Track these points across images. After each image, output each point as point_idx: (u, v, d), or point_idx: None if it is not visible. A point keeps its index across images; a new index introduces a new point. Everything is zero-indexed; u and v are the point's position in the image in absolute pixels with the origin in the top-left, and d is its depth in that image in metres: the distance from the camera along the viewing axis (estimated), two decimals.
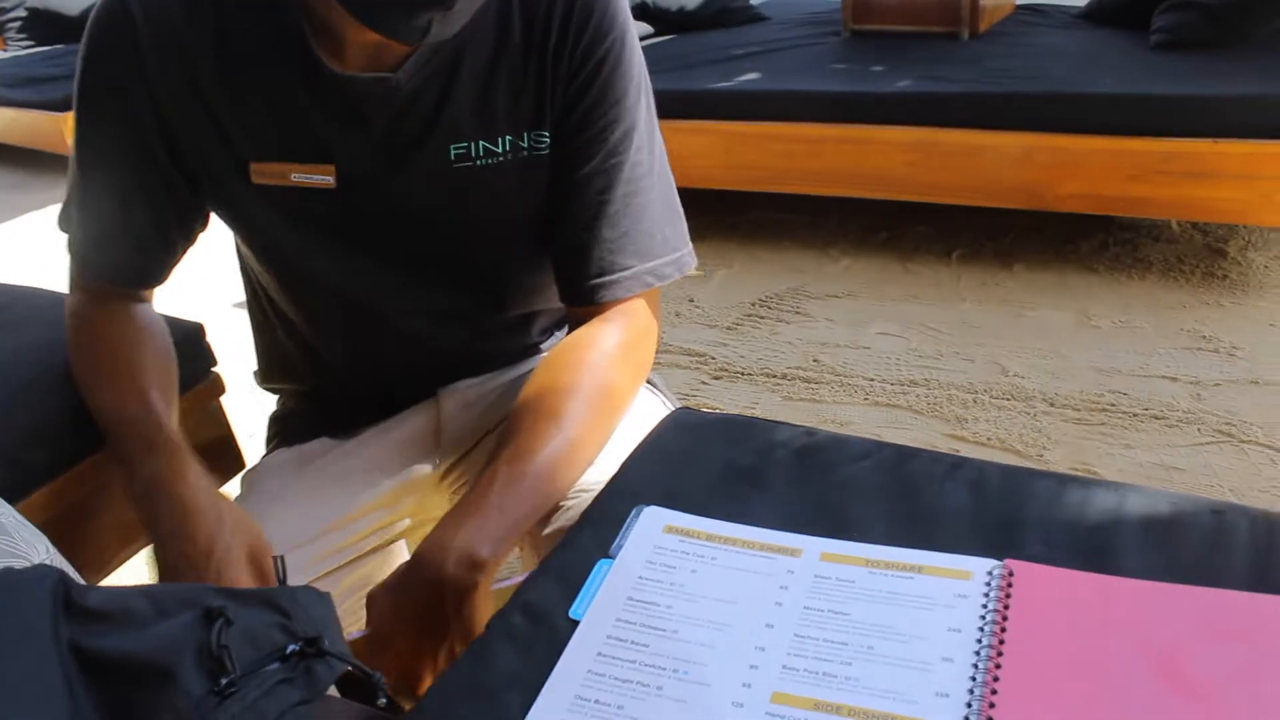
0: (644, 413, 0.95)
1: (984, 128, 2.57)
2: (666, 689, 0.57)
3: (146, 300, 0.98)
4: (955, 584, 0.62)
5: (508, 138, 0.88)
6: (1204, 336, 2.26)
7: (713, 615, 0.62)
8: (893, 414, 2.09)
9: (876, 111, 2.68)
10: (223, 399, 1.18)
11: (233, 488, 1.11)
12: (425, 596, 0.74)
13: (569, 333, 0.94)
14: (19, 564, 0.65)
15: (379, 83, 0.83)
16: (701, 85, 2.89)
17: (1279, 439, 1.90)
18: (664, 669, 0.59)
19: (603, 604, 0.64)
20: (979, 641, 0.58)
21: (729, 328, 2.51)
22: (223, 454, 1.24)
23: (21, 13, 4.89)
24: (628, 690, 0.57)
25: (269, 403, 1.13)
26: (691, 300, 2.65)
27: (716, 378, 2.30)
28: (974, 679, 0.55)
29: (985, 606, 0.60)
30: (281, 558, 0.78)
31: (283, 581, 0.77)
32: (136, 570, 1.38)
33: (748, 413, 2.01)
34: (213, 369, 1.16)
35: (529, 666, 0.60)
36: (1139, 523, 0.66)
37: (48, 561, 0.69)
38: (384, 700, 0.57)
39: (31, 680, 0.50)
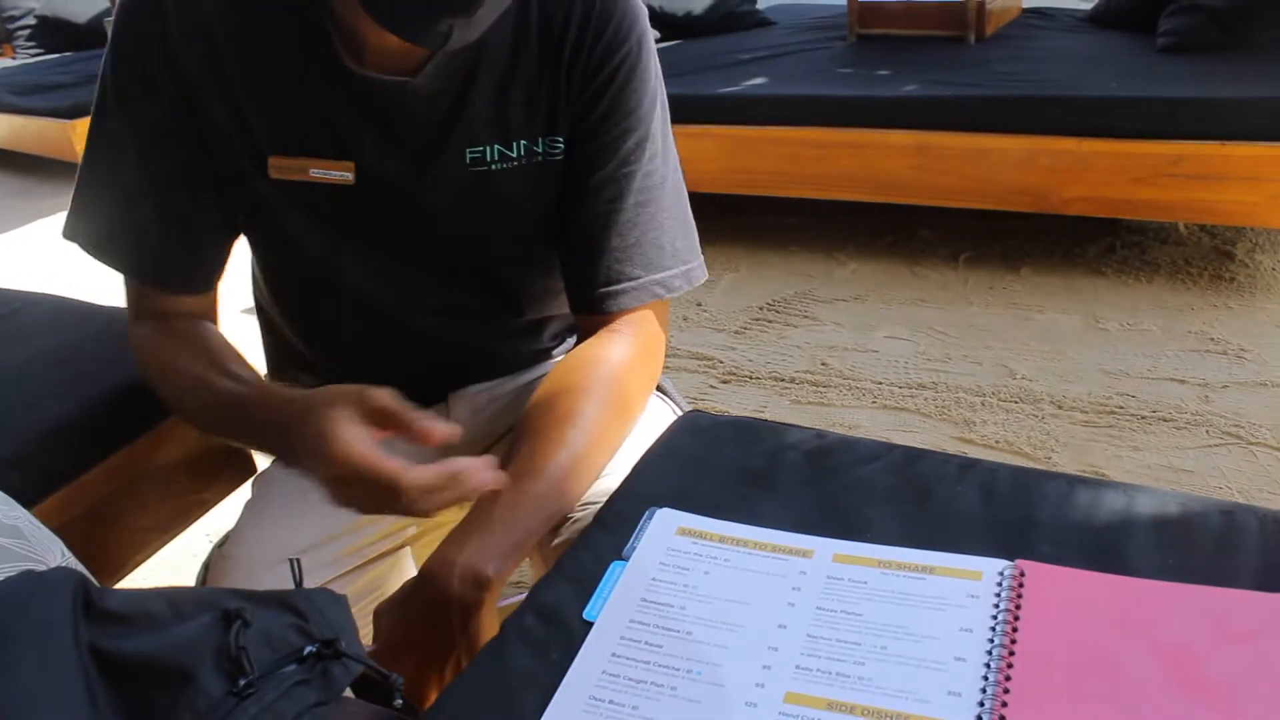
0: (654, 417, 0.95)
1: (990, 131, 2.57)
2: (680, 689, 0.58)
3: (208, 318, 0.96)
4: (967, 584, 0.62)
5: (523, 142, 0.88)
6: (1212, 339, 2.26)
7: (726, 616, 0.63)
8: (901, 417, 2.09)
9: (882, 115, 2.68)
10: None
11: (243, 492, 1.11)
12: (431, 613, 0.74)
13: (577, 343, 0.94)
14: (37, 568, 0.65)
15: (399, 86, 0.84)
16: (708, 90, 2.90)
17: None
18: (678, 669, 0.59)
19: (617, 605, 0.64)
20: (991, 641, 0.58)
21: (737, 332, 2.51)
22: (235, 459, 1.25)
23: (30, 21, 4.92)
24: (642, 691, 0.58)
25: None
26: (699, 304, 2.65)
27: (725, 382, 2.30)
28: (986, 678, 0.55)
29: (997, 606, 0.60)
30: (298, 560, 0.78)
31: (299, 584, 0.77)
32: (150, 576, 1.39)
33: (756, 416, 2.01)
34: None
35: (544, 667, 0.60)
36: (1149, 523, 0.67)
37: (65, 565, 0.70)
38: (400, 701, 0.57)
39: (53, 682, 0.51)
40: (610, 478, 0.84)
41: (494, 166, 0.88)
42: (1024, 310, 2.47)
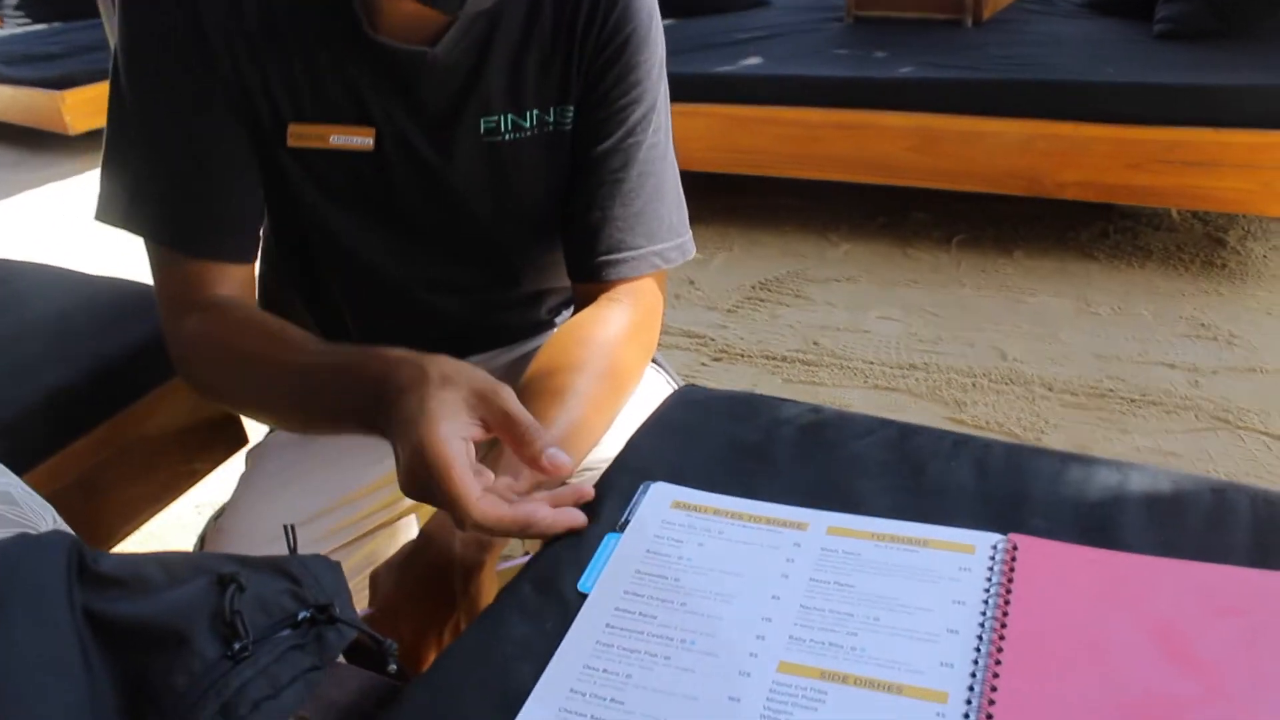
0: (649, 391, 0.95)
1: (986, 114, 2.57)
2: (674, 659, 0.58)
3: (252, 299, 0.91)
4: (959, 557, 0.63)
5: (535, 112, 0.88)
6: (1202, 324, 2.27)
7: (720, 587, 0.63)
8: (892, 397, 2.09)
9: (878, 97, 2.68)
10: None
11: (237, 463, 1.11)
12: (431, 574, 0.75)
13: (575, 311, 0.94)
14: (29, 534, 0.65)
15: (419, 55, 0.83)
16: (704, 69, 2.89)
17: (1275, 426, 1.91)
18: (672, 639, 0.59)
19: (611, 577, 0.64)
20: (983, 613, 0.58)
21: (729, 310, 2.51)
22: (226, 430, 1.25)
23: None
24: (636, 660, 0.58)
25: None
26: (692, 282, 2.65)
27: (716, 359, 2.30)
28: (978, 650, 0.56)
29: (989, 579, 0.60)
30: (292, 526, 0.78)
31: (293, 550, 0.77)
32: (140, 548, 1.39)
33: None
34: None
35: (538, 636, 0.60)
36: (1141, 500, 0.67)
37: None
38: (394, 667, 0.57)
39: (47, 644, 0.50)
40: (607, 446, 0.84)
41: (507, 136, 0.88)
42: (1016, 293, 2.48)
